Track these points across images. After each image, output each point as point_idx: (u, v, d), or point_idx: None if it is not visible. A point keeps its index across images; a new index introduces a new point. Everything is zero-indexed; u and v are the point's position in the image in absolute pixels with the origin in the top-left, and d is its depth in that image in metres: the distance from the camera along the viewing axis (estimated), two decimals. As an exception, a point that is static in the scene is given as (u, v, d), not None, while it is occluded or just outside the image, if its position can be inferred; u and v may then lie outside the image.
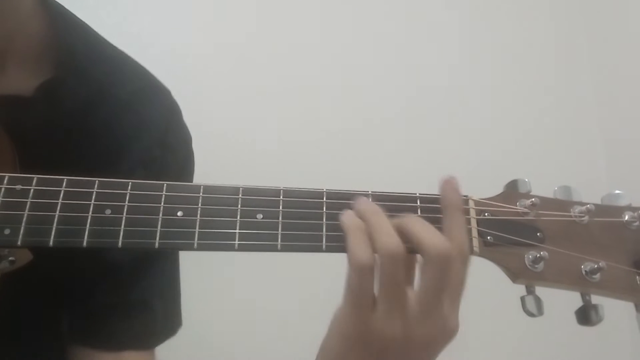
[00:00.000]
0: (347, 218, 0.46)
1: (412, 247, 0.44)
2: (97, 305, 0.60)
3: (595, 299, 0.49)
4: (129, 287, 0.61)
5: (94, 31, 0.66)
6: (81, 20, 0.65)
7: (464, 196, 0.50)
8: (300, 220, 0.47)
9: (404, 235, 0.44)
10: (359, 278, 0.43)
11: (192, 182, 0.68)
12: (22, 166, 0.51)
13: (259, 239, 0.47)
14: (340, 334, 0.45)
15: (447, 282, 0.43)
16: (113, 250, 0.58)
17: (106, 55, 0.65)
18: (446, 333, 0.45)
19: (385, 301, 0.43)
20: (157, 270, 0.63)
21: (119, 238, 0.45)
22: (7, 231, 0.44)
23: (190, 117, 0.72)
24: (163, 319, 0.65)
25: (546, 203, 0.50)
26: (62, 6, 0.63)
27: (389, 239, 0.43)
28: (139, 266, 0.61)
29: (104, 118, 0.61)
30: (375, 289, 0.44)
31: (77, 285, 0.58)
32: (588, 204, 0.50)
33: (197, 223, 0.46)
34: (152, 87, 0.68)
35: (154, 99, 0.67)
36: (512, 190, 0.51)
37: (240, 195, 0.48)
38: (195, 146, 0.71)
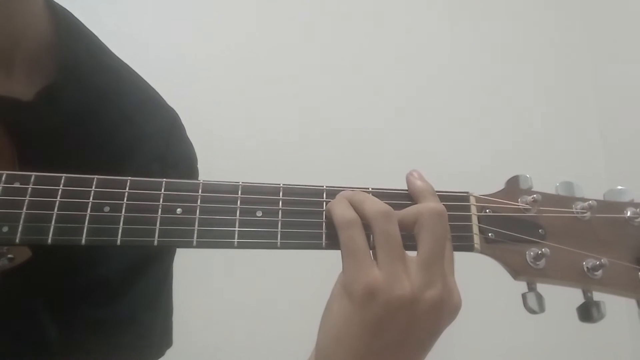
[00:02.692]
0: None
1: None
2: (83, 320, 0.58)
3: (597, 295, 0.48)
4: (116, 304, 0.60)
5: (100, 41, 0.65)
6: (87, 29, 0.64)
7: (465, 192, 0.50)
8: (300, 218, 0.47)
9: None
10: (347, 232, 0.43)
11: None
12: (22, 166, 0.51)
13: (258, 237, 0.46)
14: (348, 294, 0.43)
15: (444, 239, 0.44)
16: (102, 263, 0.58)
17: (110, 65, 0.65)
18: (452, 303, 0.44)
19: (385, 256, 0.43)
20: (145, 285, 0.62)
21: (117, 236, 0.45)
22: (5, 229, 0.44)
23: (190, 116, 0.72)
24: (152, 333, 0.63)
25: (548, 199, 0.50)
26: (69, 12, 0.63)
27: (375, 203, 0.44)
28: (127, 282, 0.60)
29: (104, 127, 0.60)
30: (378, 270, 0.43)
31: (63, 299, 0.57)
32: (590, 200, 0.50)
33: (197, 220, 0.46)
34: (155, 102, 0.68)
35: (155, 113, 0.67)
36: (514, 187, 0.51)
37: (239, 193, 0.47)
38: (195, 144, 0.71)
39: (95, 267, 0.58)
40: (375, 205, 0.44)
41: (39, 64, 0.58)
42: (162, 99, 0.69)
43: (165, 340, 0.67)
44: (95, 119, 0.60)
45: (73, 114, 0.58)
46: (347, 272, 0.43)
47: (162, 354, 0.65)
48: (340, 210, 0.45)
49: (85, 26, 0.64)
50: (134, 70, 0.68)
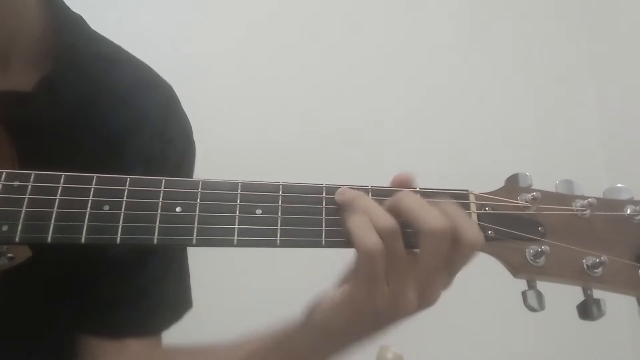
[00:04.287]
0: (341, 196, 0.47)
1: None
2: (98, 298, 0.59)
3: (597, 293, 0.48)
4: (130, 279, 0.60)
5: (91, 28, 0.66)
6: (79, 16, 0.65)
7: (464, 190, 0.50)
8: (300, 216, 0.47)
9: (396, 211, 0.45)
10: (369, 262, 0.43)
11: (192, 172, 0.68)
12: (21, 162, 0.51)
13: (258, 235, 0.46)
14: (353, 310, 0.46)
15: (446, 253, 0.44)
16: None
17: (105, 52, 0.65)
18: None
19: (394, 277, 0.44)
20: (158, 257, 0.62)
21: (117, 234, 0.45)
22: (4, 228, 0.44)
23: (190, 114, 0.71)
24: (164, 304, 0.64)
25: (547, 197, 0.49)
26: (62, 2, 0.63)
27: (385, 221, 0.44)
28: (140, 257, 0.60)
29: (103, 113, 0.61)
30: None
31: (77, 280, 0.57)
32: (590, 197, 0.49)
33: (196, 219, 0.46)
34: (150, 81, 0.68)
35: (152, 92, 0.67)
36: (513, 185, 0.51)
37: (239, 191, 0.47)
38: (196, 143, 0.71)
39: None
40: (384, 223, 0.44)
41: (37, 57, 0.59)
42: (156, 73, 0.69)
43: (182, 305, 0.66)
44: (94, 105, 0.60)
45: (72, 102, 0.59)
46: (360, 292, 0.45)
47: (180, 317, 0.65)
48: (366, 235, 0.44)
49: (77, 14, 0.64)
50: (129, 53, 0.68)
